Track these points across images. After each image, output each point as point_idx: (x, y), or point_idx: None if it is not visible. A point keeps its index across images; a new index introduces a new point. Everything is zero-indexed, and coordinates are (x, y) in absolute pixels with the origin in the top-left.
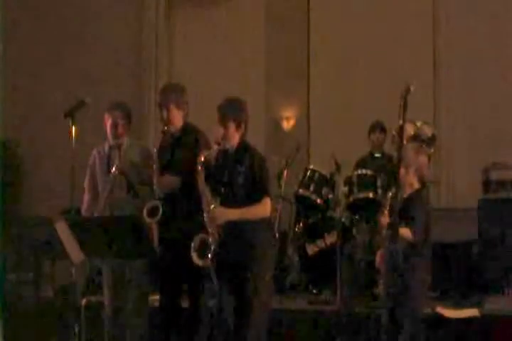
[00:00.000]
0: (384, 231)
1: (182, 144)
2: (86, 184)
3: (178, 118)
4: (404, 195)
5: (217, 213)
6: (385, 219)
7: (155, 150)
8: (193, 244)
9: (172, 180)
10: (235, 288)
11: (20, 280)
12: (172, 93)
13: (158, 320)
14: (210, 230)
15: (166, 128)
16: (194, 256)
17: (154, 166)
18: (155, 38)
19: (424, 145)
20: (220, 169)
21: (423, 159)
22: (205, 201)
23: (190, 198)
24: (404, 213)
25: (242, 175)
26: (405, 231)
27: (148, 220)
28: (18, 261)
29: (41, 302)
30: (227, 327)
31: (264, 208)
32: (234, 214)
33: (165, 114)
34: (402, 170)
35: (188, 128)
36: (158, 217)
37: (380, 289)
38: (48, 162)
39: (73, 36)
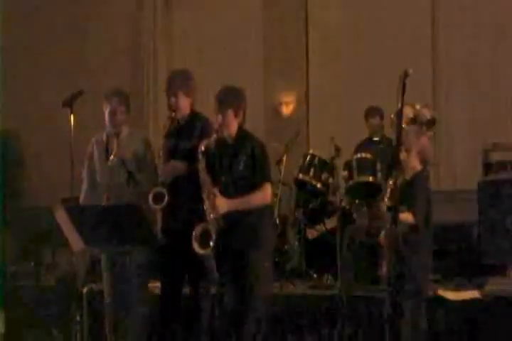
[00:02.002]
0: (385, 215)
1: (188, 132)
2: (84, 173)
3: (185, 105)
4: (407, 178)
5: (218, 204)
6: (385, 204)
7: (163, 137)
8: (194, 233)
9: (178, 166)
10: (236, 274)
11: (22, 269)
12: (180, 79)
13: (159, 308)
14: (210, 219)
15: (173, 114)
16: (195, 245)
17: (161, 152)
18: (153, 26)
19: (424, 128)
20: (219, 158)
21: (425, 142)
22: (205, 190)
23: (194, 186)
24: (407, 196)
25: (242, 163)
26: (406, 216)
27: (153, 206)
28: (20, 251)
29: (42, 291)
30: (227, 314)
31: (264, 195)
32: (234, 204)
33: (172, 100)
34: (404, 153)
35: (194, 116)
36: (164, 203)
37: (383, 271)
38: (48, 152)
39: (71, 26)
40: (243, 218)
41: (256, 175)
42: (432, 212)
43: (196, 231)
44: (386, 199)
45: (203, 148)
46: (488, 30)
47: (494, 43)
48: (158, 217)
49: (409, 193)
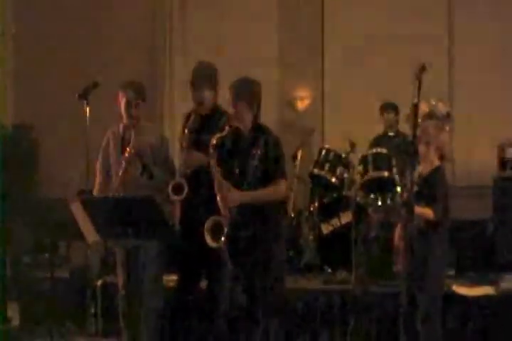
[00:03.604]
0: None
1: (210, 125)
2: (98, 166)
3: (209, 99)
4: (424, 173)
5: (231, 197)
6: (401, 199)
7: (184, 129)
8: (205, 226)
9: (200, 157)
10: (248, 269)
11: (36, 261)
12: (205, 72)
13: (174, 301)
14: (223, 212)
15: (196, 107)
16: (207, 237)
17: (183, 143)
18: (169, 17)
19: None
20: (234, 151)
21: (443, 136)
22: (217, 184)
23: (212, 180)
24: (425, 191)
25: (257, 157)
26: (426, 211)
27: (173, 197)
28: (34, 243)
29: (57, 283)
30: (240, 308)
31: (278, 190)
32: (247, 197)
33: (197, 93)
34: (423, 148)
35: (217, 110)
36: (184, 195)
37: (397, 267)
38: (63, 145)
39: (86, 18)
40: (256, 212)
41: (270, 169)
42: (449, 207)
43: (208, 224)
44: (403, 194)
45: (214, 142)
46: (507, 22)
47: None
48: (177, 208)
49: (428, 189)
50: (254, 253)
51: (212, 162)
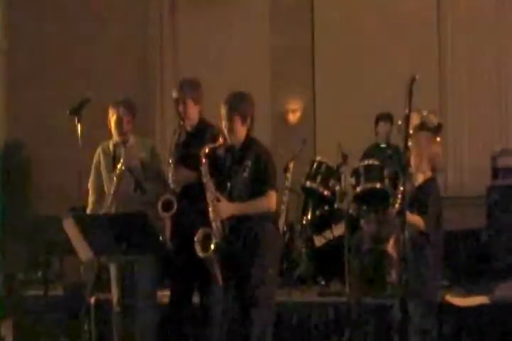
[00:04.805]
0: (395, 221)
1: (197, 139)
2: (90, 184)
3: (194, 113)
4: (417, 184)
5: (222, 208)
6: (394, 210)
7: (172, 145)
8: (196, 237)
9: (188, 175)
10: (239, 281)
11: (30, 278)
12: (189, 88)
13: (168, 315)
14: (214, 224)
15: (182, 123)
16: (198, 248)
17: (170, 160)
18: (160, 33)
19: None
20: (226, 163)
21: (436, 148)
22: (209, 194)
23: (204, 194)
24: (417, 202)
25: (248, 170)
26: (418, 219)
27: (162, 214)
28: (28, 260)
29: (51, 300)
30: (232, 321)
31: (268, 202)
32: (238, 208)
33: (182, 108)
34: (415, 159)
35: (203, 124)
36: (173, 211)
37: (392, 278)
38: (56, 161)
39: (77, 33)
40: (247, 224)
41: (261, 182)
42: (443, 217)
43: (199, 235)
44: (395, 205)
45: (206, 151)
46: (494, 36)
47: (501, 49)
48: (167, 224)
49: (420, 199)
50: (245, 265)
51: (204, 171)
